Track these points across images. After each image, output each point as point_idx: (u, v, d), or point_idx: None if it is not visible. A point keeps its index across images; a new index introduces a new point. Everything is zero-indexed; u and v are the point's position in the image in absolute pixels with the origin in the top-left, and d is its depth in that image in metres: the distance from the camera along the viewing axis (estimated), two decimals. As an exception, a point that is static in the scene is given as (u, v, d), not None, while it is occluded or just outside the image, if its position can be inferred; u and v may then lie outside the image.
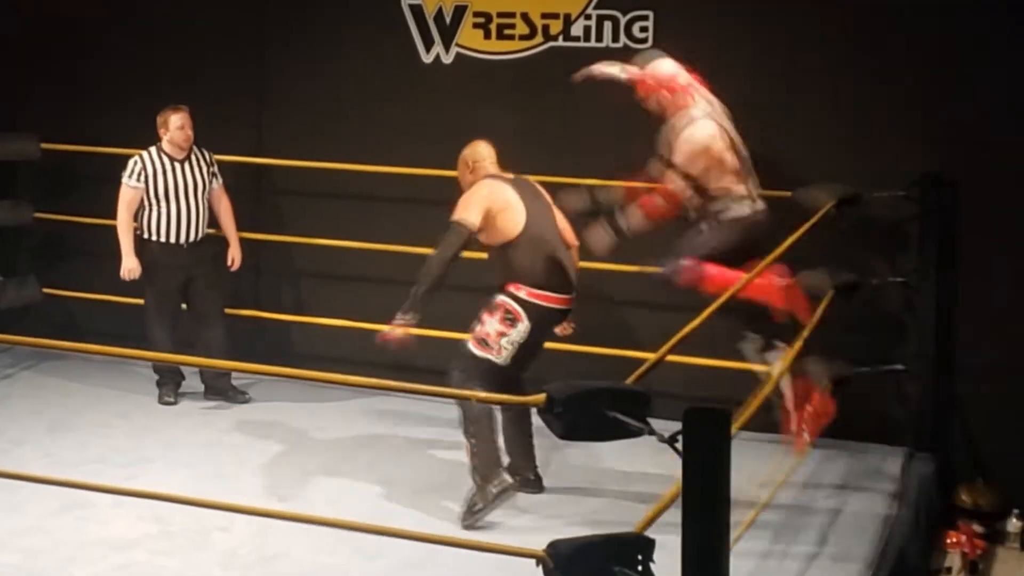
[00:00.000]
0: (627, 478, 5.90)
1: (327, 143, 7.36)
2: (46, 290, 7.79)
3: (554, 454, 6.08)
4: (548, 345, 5.85)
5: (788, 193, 6.20)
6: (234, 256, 7.12)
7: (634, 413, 3.24)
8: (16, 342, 6.46)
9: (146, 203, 6.88)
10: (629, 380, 3.47)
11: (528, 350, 5.59)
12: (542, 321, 5.57)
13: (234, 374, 7.14)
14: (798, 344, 5.24)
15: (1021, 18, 6.20)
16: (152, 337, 6.94)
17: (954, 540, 5.83)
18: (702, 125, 5.61)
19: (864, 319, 6.41)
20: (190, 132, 6.88)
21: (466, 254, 5.59)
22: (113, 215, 6.92)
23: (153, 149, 6.90)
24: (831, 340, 5.93)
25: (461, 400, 5.44)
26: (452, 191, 5.83)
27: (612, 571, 3.09)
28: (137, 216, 6.93)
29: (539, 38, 7.01)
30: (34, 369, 7.62)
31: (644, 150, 5.80)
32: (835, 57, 6.52)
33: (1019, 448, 6.26)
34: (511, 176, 5.70)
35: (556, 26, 6.97)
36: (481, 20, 7.09)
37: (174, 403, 7.07)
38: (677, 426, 3.10)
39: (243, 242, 7.17)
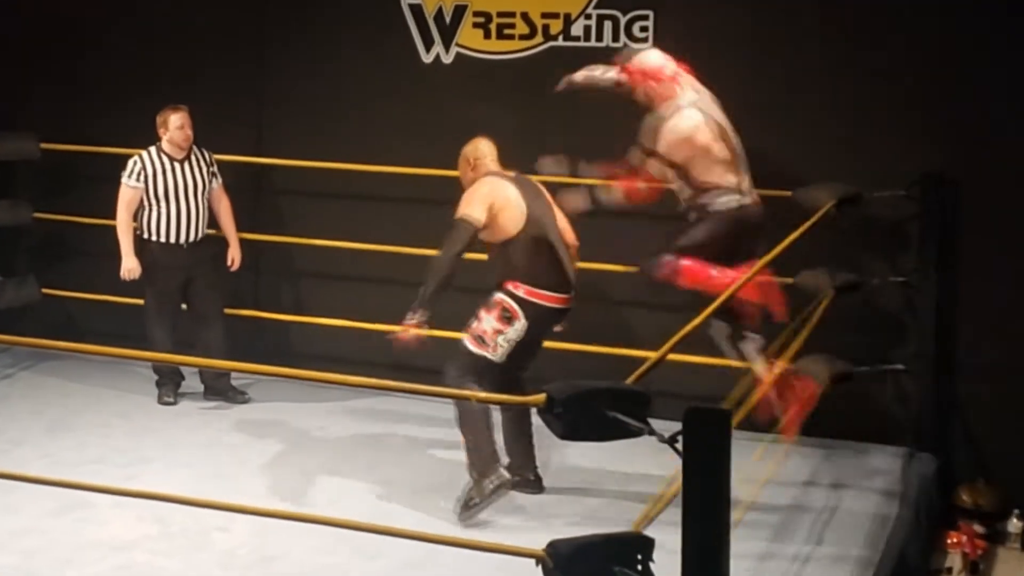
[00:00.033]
0: (627, 478, 5.90)
1: (327, 143, 7.35)
2: (45, 290, 7.78)
3: (554, 454, 6.08)
4: (548, 345, 5.85)
5: (788, 193, 6.20)
6: (234, 256, 7.11)
7: (634, 413, 3.24)
8: (15, 342, 6.47)
9: (146, 203, 6.87)
10: (629, 380, 3.47)
11: (525, 348, 5.59)
12: (539, 320, 5.57)
13: (234, 374, 7.14)
14: (783, 338, 5.27)
15: (1021, 18, 6.20)
16: (152, 337, 6.94)
17: (955, 540, 5.82)
18: (687, 114, 5.64)
19: (864, 319, 6.41)
20: (190, 132, 6.87)
21: (469, 255, 5.59)
22: (112, 215, 6.91)
23: (153, 149, 6.90)
24: (831, 340, 5.94)
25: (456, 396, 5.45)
26: (452, 191, 5.83)
27: (612, 571, 3.08)
28: (137, 216, 6.92)
29: (539, 38, 7.01)
30: (33, 369, 7.62)
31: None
32: (835, 57, 6.52)
33: (1020, 448, 6.26)
34: (513, 174, 5.70)
35: (556, 26, 6.96)
36: (481, 20, 7.09)
37: (174, 403, 7.07)
38: (677, 426, 3.09)
39: (243, 242, 7.16)
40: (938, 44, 6.34)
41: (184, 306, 7.05)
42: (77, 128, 7.77)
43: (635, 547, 3.14)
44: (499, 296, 5.56)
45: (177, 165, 6.89)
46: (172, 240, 6.88)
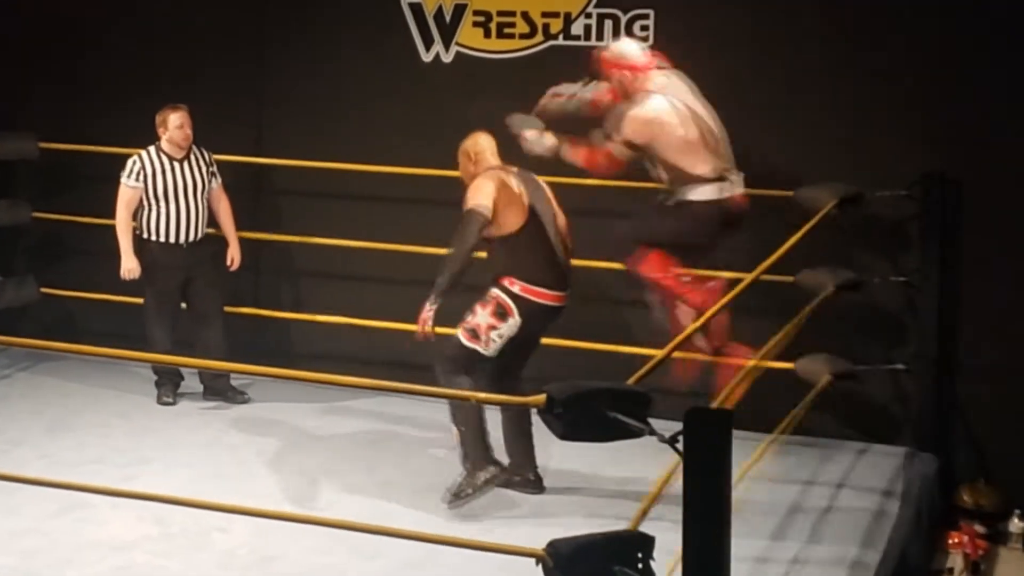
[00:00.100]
0: (627, 478, 5.89)
1: (327, 143, 7.35)
2: (44, 290, 7.77)
3: (554, 454, 6.07)
4: (547, 343, 5.84)
5: (789, 193, 6.20)
6: (233, 256, 7.11)
7: (634, 413, 3.24)
8: (14, 343, 6.46)
9: (145, 203, 6.86)
10: (630, 380, 3.46)
11: (519, 345, 5.59)
12: (534, 317, 5.57)
13: (233, 374, 7.13)
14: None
15: (1021, 18, 6.20)
16: (151, 337, 6.93)
17: (956, 541, 5.82)
18: (653, 100, 5.71)
19: (865, 319, 6.41)
20: (189, 131, 6.86)
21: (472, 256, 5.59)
22: (112, 215, 6.90)
23: (152, 148, 6.89)
24: (833, 339, 5.93)
25: (447, 388, 5.45)
26: (453, 191, 5.82)
27: (612, 570, 3.08)
28: (136, 216, 6.92)
29: (539, 37, 7.01)
30: (32, 369, 7.61)
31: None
32: (835, 57, 6.52)
33: (1021, 448, 6.25)
34: (515, 169, 5.69)
35: (556, 25, 6.96)
36: (481, 19, 7.09)
37: (173, 403, 7.06)
38: (677, 426, 3.09)
39: (242, 241, 7.15)
40: (938, 45, 6.33)
41: (184, 306, 7.04)
42: (77, 128, 7.76)
43: (635, 546, 3.14)
44: (495, 291, 5.56)
45: (176, 165, 6.88)
46: (171, 240, 6.88)
